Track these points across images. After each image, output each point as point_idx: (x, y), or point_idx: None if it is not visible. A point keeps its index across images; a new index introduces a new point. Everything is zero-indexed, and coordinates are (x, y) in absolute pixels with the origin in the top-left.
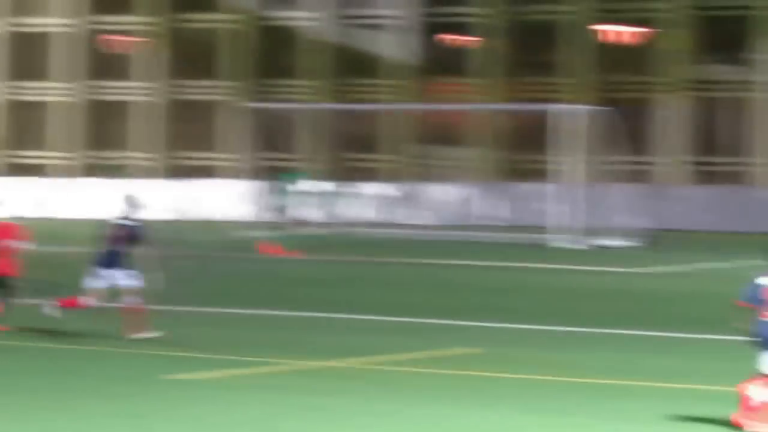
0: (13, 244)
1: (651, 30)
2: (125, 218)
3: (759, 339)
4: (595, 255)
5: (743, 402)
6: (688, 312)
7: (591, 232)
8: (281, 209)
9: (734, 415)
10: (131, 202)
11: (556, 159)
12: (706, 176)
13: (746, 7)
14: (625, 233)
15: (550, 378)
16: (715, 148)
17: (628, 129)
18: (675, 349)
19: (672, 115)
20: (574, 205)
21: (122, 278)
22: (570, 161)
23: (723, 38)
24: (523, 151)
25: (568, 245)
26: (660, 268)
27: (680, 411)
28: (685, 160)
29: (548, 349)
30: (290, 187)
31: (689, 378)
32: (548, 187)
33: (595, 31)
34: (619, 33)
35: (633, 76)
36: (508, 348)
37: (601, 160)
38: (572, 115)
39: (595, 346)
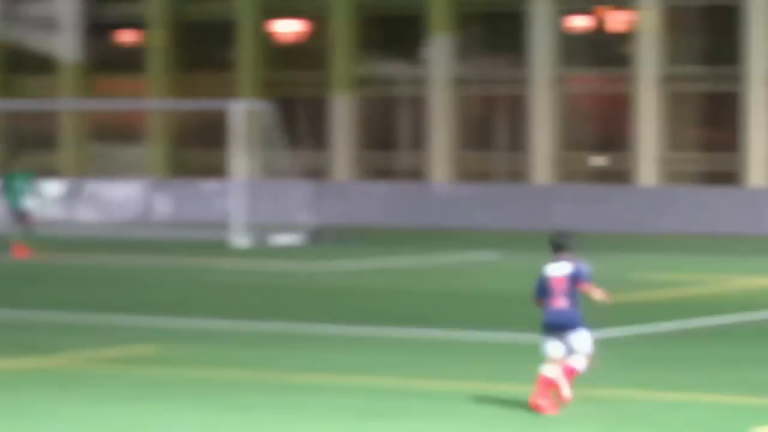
0: None
1: (322, 26)
2: None
3: (555, 326)
4: (271, 252)
5: (543, 386)
6: (363, 306)
7: (268, 228)
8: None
9: (533, 401)
10: None
11: (232, 156)
12: (381, 172)
13: (417, 5)
14: (301, 229)
15: (228, 375)
16: (390, 144)
17: (301, 125)
18: (351, 344)
19: (344, 111)
20: (250, 202)
21: None
22: (245, 158)
23: (394, 35)
24: (201, 148)
25: (246, 242)
26: (335, 265)
27: (358, 405)
28: (359, 157)
29: (225, 346)
30: (26, 187)
31: (374, 371)
32: (226, 184)
33: (265, 27)
34: (290, 29)
35: (304, 72)
36: (183, 345)
37: (276, 157)
38: (245, 111)
39: (272, 342)
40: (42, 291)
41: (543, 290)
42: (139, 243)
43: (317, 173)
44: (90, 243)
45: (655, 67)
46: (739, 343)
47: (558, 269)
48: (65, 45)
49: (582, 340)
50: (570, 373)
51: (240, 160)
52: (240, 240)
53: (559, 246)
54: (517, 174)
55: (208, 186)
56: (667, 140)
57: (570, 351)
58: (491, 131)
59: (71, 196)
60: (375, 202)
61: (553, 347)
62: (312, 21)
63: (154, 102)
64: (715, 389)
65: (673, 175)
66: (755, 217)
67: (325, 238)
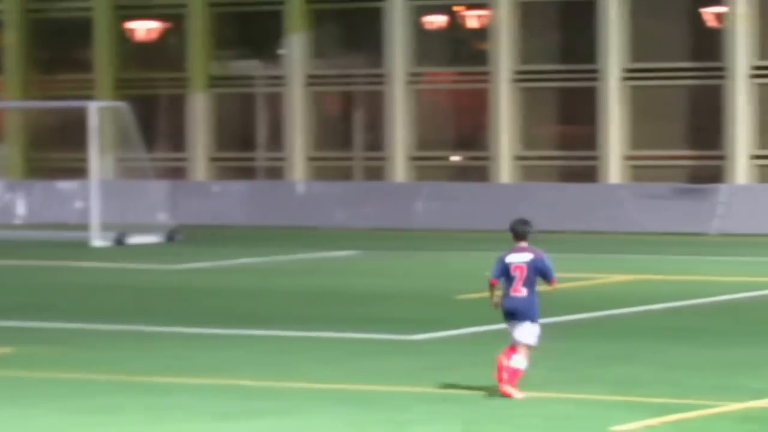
0: None
1: (178, 24)
2: None
3: (510, 312)
4: (130, 252)
5: (501, 372)
6: (222, 306)
7: (127, 228)
8: None
9: (502, 388)
10: None
11: (89, 156)
12: (240, 171)
13: (271, 2)
14: (160, 229)
15: (87, 377)
16: (248, 143)
17: (159, 124)
18: (209, 344)
19: (201, 110)
20: (109, 202)
21: None
22: (103, 158)
23: (250, 33)
24: (59, 149)
25: (105, 243)
26: (194, 264)
27: (217, 405)
28: (217, 156)
29: (84, 347)
30: None
31: (226, 372)
32: (85, 185)
33: (122, 26)
34: (146, 27)
35: (161, 71)
36: (42, 347)
37: (134, 156)
38: (103, 111)
39: (131, 343)
40: None
41: (500, 273)
42: (8, 243)
43: (176, 173)
44: None
45: (510, 65)
46: (602, 340)
47: (519, 257)
48: None
49: (527, 332)
50: (513, 375)
51: (98, 160)
52: (99, 240)
53: (520, 233)
54: (375, 172)
55: (67, 186)
56: (524, 138)
57: (512, 340)
58: (349, 129)
59: None
60: (234, 201)
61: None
62: (168, 19)
63: (10, 102)
64: (578, 387)
65: (530, 173)
66: (613, 214)
67: (183, 238)
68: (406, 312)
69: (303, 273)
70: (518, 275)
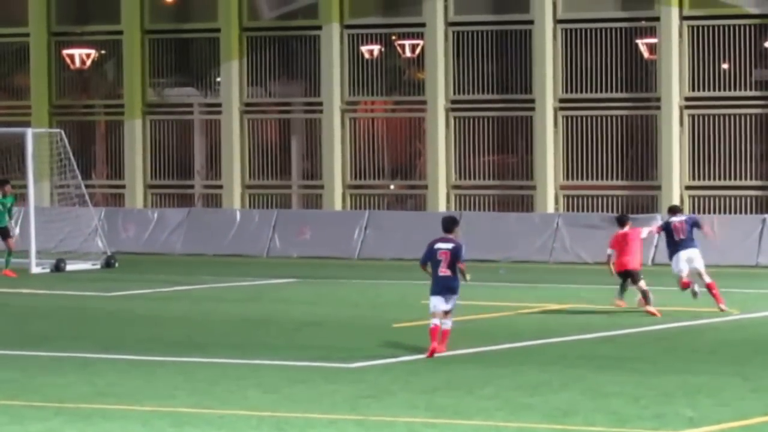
0: None
1: (114, 51)
2: None
3: (437, 289)
4: (67, 278)
5: (436, 335)
6: (160, 333)
7: (63, 255)
8: None
9: (432, 347)
10: None
11: (27, 182)
12: (177, 198)
13: (207, 29)
14: (96, 256)
15: (24, 403)
16: (184, 170)
17: (95, 151)
18: (133, 371)
19: (138, 138)
20: (46, 229)
21: None
22: (39, 185)
23: (186, 60)
24: None
25: (43, 269)
26: (129, 291)
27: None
28: (152, 183)
29: (22, 373)
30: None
31: (149, 400)
32: (21, 211)
33: (58, 53)
34: (80, 55)
35: (98, 98)
36: None
37: (69, 183)
38: (38, 137)
39: (65, 369)
40: None
41: (428, 258)
42: None
43: (113, 199)
44: None
45: (445, 94)
46: (538, 368)
47: (445, 245)
48: None
49: (453, 301)
50: (445, 334)
51: (33, 186)
52: (37, 267)
53: (447, 227)
54: (313, 200)
55: None
56: (460, 167)
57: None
58: (286, 157)
59: None
60: (171, 228)
61: (437, 303)
62: (105, 46)
63: None
64: (515, 415)
65: (466, 202)
66: (548, 243)
67: (119, 265)
68: (343, 340)
69: (240, 300)
70: (443, 259)
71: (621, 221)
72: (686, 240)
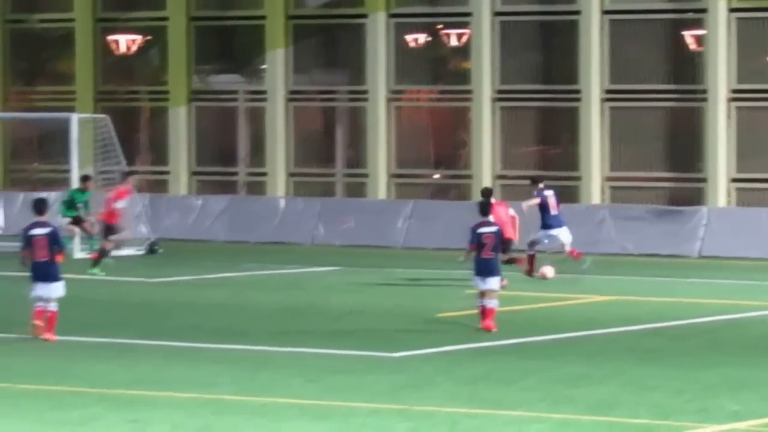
0: None
1: (159, 38)
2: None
3: (482, 269)
4: (110, 264)
5: (485, 313)
6: (202, 321)
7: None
8: None
9: (484, 324)
10: (41, 206)
11: (70, 167)
12: (220, 186)
13: (252, 17)
14: (139, 242)
15: (68, 389)
16: (228, 158)
17: (139, 138)
18: (177, 359)
19: (182, 125)
20: (86, 214)
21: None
22: (83, 170)
23: (229, 48)
24: (40, 160)
25: (86, 254)
26: (171, 278)
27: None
28: (197, 170)
29: (66, 360)
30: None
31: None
32: (64, 197)
33: (102, 39)
34: (127, 41)
35: (142, 84)
36: (22, 359)
37: (112, 169)
38: (83, 123)
39: (109, 356)
40: None
41: (475, 241)
42: None
43: (156, 186)
44: None
45: (491, 84)
46: (581, 360)
47: (488, 229)
48: None
49: (496, 282)
50: (491, 312)
51: (78, 172)
52: (80, 252)
53: (485, 211)
54: (356, 189)
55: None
56: (504, 157)
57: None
58: (330, 145)
59: None
60: (214, 215)
61: (482, 284)
62: (150, 32)
63: None
64: (556, 407)
65: (510, 192)
66: (593, 235)
67: (163, 251)
68: (385, 329)
69: (283, 288)
70: (488, 243)
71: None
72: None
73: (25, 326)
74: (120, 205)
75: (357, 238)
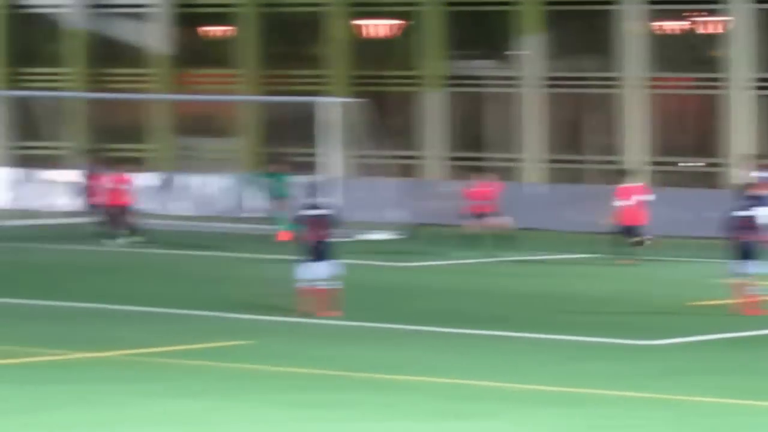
0: None
1: (411, 22)
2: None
3: (740, 253)
4: (362, 248)
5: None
6: (449, 306)
7: (355, 225)
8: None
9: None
10: (314, 188)
11: (322, 152)
12: (471, 171)
13: (507, 2)
14: (392, 227)
15: (318, 372)
16: (479, 144)
17: (390, 123)
18: (438, 344)
19: (434, 110)
20: (338, 198)
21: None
22: (331, 154)
23: (482, 33)
24: (290, 144)
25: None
26: (422, 263)
27: (444, 406)
28: (449, 156)
29: (318, 343)
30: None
31: (452, 372)
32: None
33: (354, 23)
34: (379, 25)
35: (393, 69)
36: (279, 340)
37: (363, 154)
38: (335, 107)
39: (363, 340)
40: (133, 285)
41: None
42: (227, 237)
43: (407, 170)
44: (183, 236)
45: (747, 72)
46: None
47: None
48: (155, 37)
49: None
50: (754, 298)
51: (330, 156)
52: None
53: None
54: (608, 176)
55: (297, 182)
56: (761, 144)
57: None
58: (582, 132)
59: (162, 189)
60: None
61: (742, 268)
62: (402, 17)
63: (243, 96)
64: None
65: None
66: None
67: (415, 236)
68: (634, 317)
69: (531, 275)
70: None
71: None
72: None
73: (291, 307)
74: None
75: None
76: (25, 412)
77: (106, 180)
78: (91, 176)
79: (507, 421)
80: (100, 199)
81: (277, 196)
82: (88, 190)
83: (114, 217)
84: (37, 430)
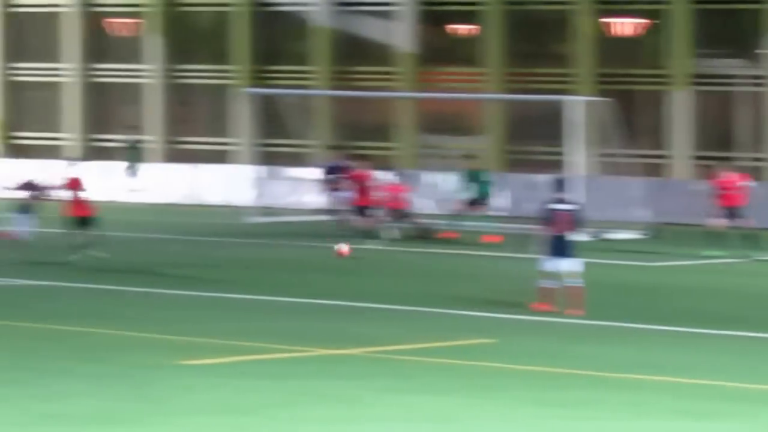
0: None
1: (658, 21)
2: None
3: None
4: (608, 247)
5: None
6: (695, 306)
7: (600, 224)
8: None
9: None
10: (561, 185)
11: (569, 150)
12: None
13: (755, 1)
14: (639, 227)
15: (561, 370)
16: (728, 143)
17: (637, 121)
18: (683, 343)
19: (682, 109)
20: (588, 196)
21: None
22: (577, 152)
23: (730, 31)
24: (536, 143)
25: (583, 237)
26: (668, 262)
27: (689, 406)
28: (693, 155)
29: (561, 341)
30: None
31: (697, 372)
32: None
33: (600, 22)
34: (626, 24)
35: (640, 68)
36: (524, 339)
37: (609, 153)
38: (583, 106)
39: (606, 339)
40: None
41: None
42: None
43: (653, 170)
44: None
45: None
46: None
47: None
48: (400, 35)
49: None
50: None
51: (578, 154)
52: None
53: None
54: None
55: (544, 180)
56: None
57: None
58: None
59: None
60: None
61: None
62: (649, 16)
63: (488, 94)
64: None
65: None
66: None
67: (662, 236)
68: None
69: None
70: None
71: None
72: None
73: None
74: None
75: None
76: (283, 406)
77: (380, 182)
78: (342, 173)
79: (749, 422)
80: (372, 199)
81: (478, 195)
82: (335, 188)
83: (398, 217)
84: (308, 423)
